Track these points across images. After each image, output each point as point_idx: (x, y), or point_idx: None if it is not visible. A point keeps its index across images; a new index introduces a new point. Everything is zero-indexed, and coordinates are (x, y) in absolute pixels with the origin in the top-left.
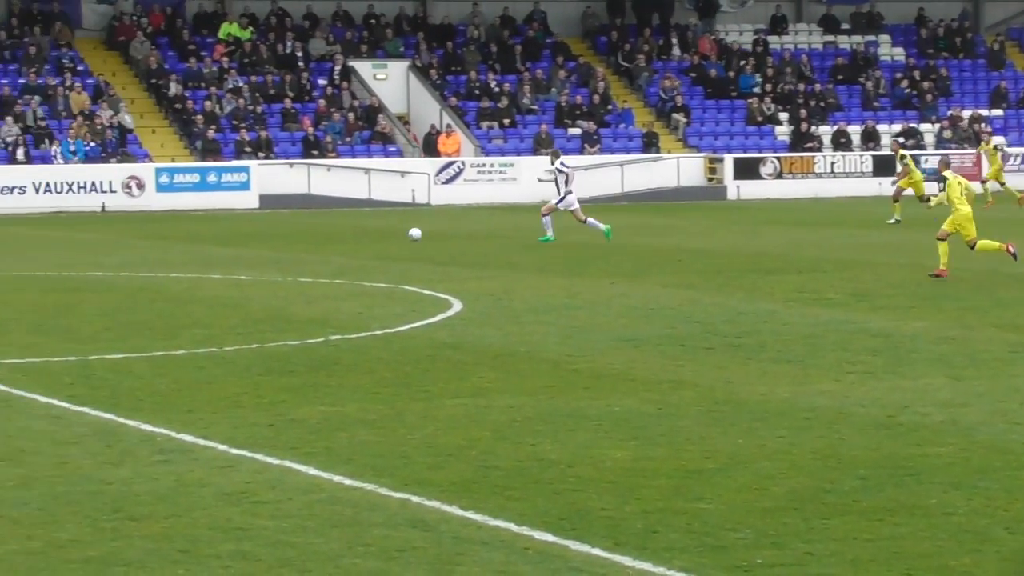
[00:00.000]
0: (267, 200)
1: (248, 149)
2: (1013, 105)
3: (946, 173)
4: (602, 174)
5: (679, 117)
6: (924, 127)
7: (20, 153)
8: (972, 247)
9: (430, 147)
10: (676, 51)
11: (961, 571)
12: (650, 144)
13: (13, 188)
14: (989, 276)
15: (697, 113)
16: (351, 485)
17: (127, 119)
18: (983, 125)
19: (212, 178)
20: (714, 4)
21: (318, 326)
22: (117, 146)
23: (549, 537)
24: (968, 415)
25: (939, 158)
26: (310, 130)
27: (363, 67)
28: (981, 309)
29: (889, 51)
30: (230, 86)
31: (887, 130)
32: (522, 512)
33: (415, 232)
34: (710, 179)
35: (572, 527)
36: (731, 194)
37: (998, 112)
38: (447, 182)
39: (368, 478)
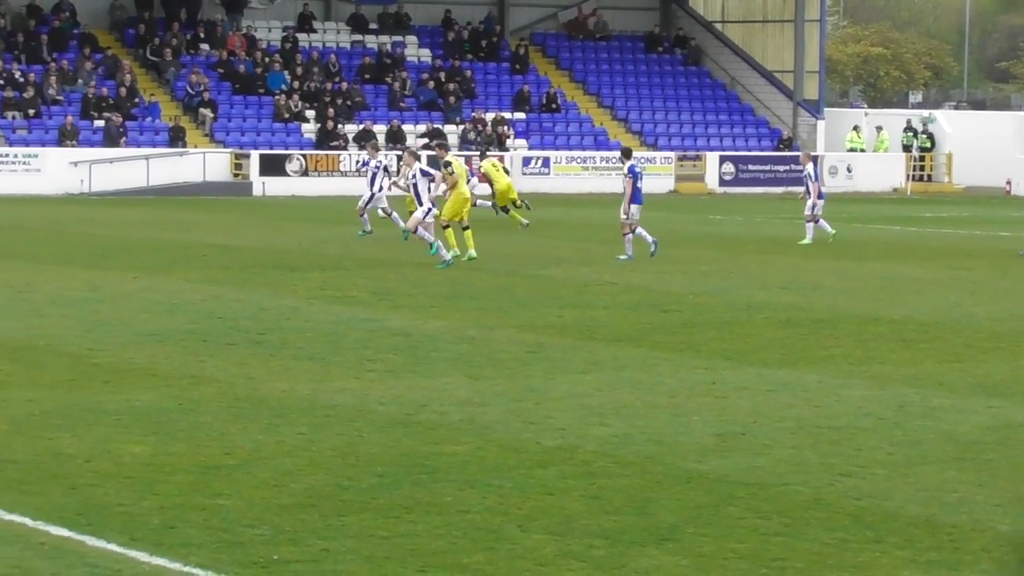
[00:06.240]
0: None
1: None
2: (535, 109)
3: (450, 158)
4: (128, 167)
5: (206, 112)
6: (448, 128)
7: None
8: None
9: None
10: (204, 46)
11: (474, 568)
12: (177, 138)
13: None
14: (509, 277)
15: (224, 108)
16: None
17: None
18: (506, 128)
19: None
20: (242, 0)
21: None
22: None
23: (65, 532)
24: (485, 414)
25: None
26: None
27: None
28: (500, 310)
29: (416, 52)
30: None
31: (412, 130)
32: (38, 507)
33: None
34: (236, 175)
35: (88, 522)
36: (257, 190)
37: (520, 115)
38: None
39: None
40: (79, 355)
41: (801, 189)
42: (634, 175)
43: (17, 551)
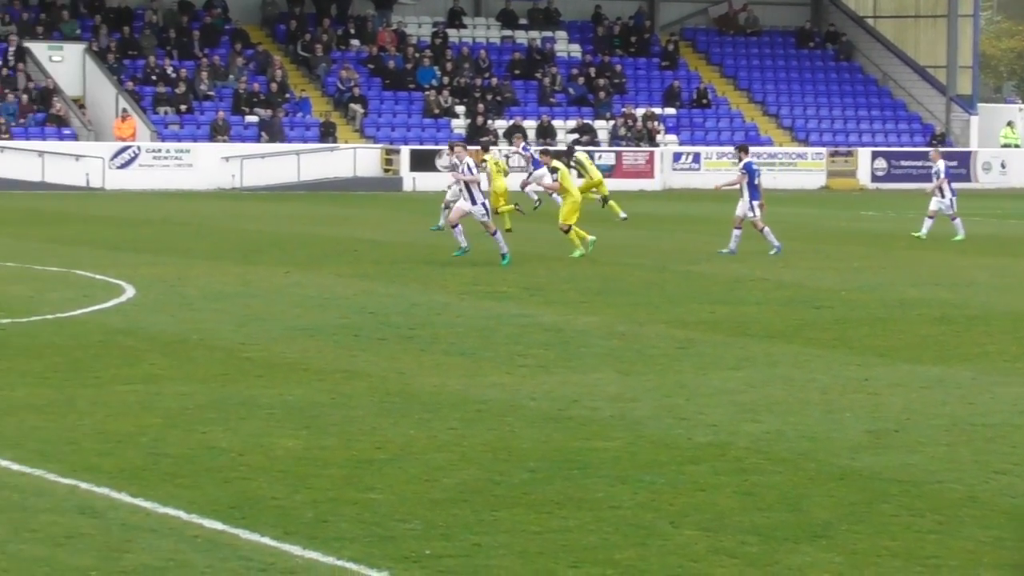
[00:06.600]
0: None
1: None
2: (686, 104)
3: (556, 163)
4: (279, 163)
5: (357, 107)
6: (598, 124)
7: None
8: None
9: (107, 131)
10: (355, 42)
11: (626, 564)
12: (327, 134)
13: None
14: (659, 273)
15: (375, 104)
16: (18, 470)
17: None
18: (656, 123)
19: None
20: None
21: None
22: None
23: (219, 525)
24: (636, 410)
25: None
26: None
27: (39, 48)
28: (651, 305)
29: (566, 47)
30: None
31: (563, 125)
32: (192, 500)
33: None
34: (386, 170)
35: (242, 515)
36: (407, 185)
37: (671, 111)
38: (122, 167)
39: (36, 463)
40: (231, 349)
41: (955, 185)
42: (750, 172)
43: (172, 544)
